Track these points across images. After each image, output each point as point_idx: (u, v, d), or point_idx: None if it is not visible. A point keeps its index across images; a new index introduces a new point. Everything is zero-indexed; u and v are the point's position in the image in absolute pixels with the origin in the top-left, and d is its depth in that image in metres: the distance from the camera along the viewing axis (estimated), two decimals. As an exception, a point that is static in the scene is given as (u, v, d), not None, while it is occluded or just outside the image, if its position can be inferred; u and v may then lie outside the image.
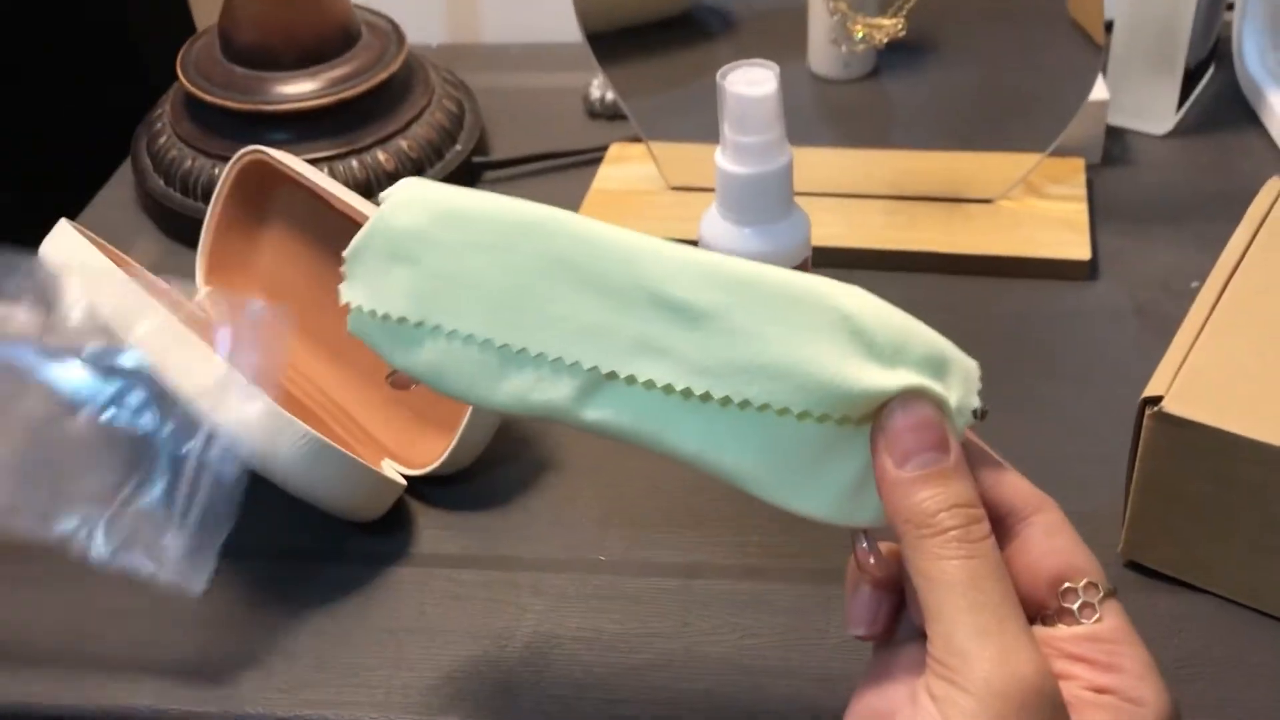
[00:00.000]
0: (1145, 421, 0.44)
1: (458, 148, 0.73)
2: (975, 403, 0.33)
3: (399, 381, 0.36)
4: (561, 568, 0.50)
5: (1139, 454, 0.45)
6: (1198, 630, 0.46)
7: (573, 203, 0.70)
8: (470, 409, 0.50)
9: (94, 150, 0.79)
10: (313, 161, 0.68)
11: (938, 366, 0.33)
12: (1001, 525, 0.33)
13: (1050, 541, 0.33)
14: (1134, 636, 0.32)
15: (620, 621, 0.48)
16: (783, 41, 0.73)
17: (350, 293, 0.36)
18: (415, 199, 0.35)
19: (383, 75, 0.70)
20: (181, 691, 0.46)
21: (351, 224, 0.51)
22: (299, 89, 0.69)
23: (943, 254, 0.64)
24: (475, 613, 0.48)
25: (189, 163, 0.70)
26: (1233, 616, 0.46)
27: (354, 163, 0.69)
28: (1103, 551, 0.48)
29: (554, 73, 0.84)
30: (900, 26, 0.64)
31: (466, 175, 0.74)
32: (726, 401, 0.32)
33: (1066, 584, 0.33)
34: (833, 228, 0.66)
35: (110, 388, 0.47)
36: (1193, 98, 0.74)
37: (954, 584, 0.30)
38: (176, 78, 0.71)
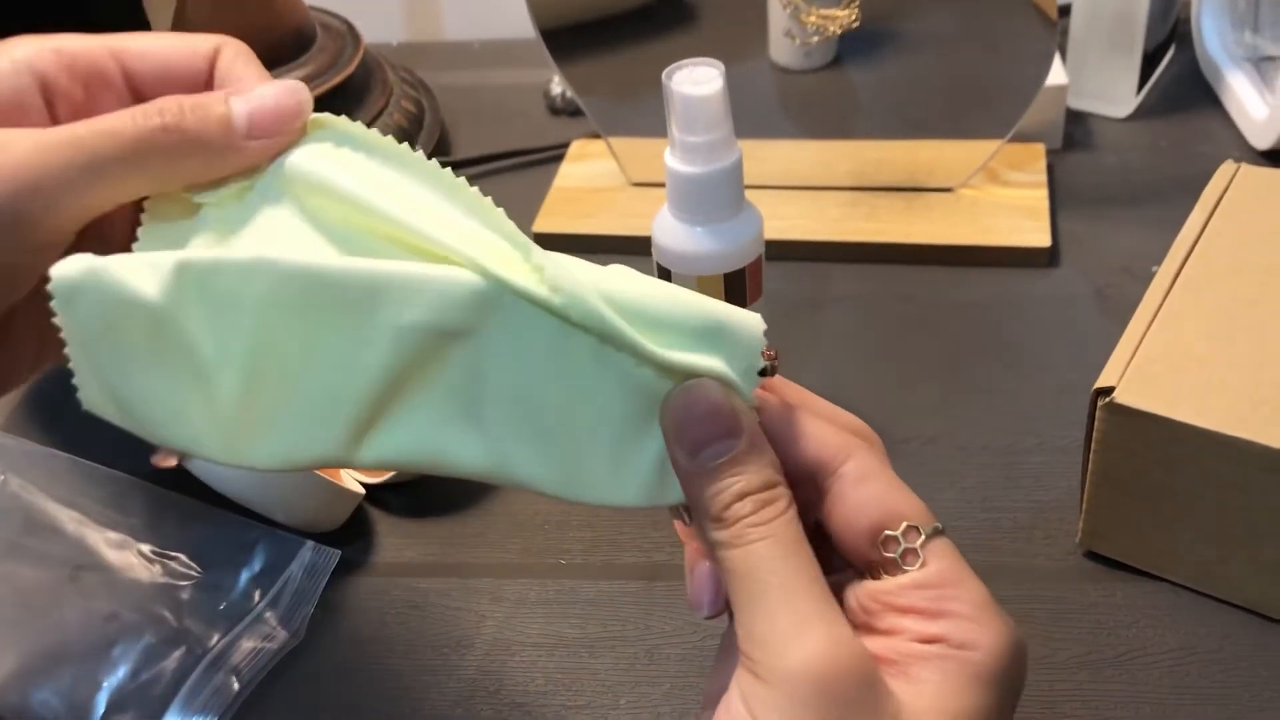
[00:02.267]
0: (1098, 412, 0.44)
1: (417, 148, 0.72)
2: (760, 363, 0.31)
3: (162, 460, 0.34)
4: (521, 573, 0.50)
5: (1093, 445, 0.45)
6: (1154, 618, 0.46)
7: (534, 200, 0.69)
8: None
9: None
10: (270, 167, 0.67)
11: (714, 336, 0.31)
12: (812, 484, 0.32)
13: (861, 490, 0.31)
14: (965, 575, 0.30)
15: (580, 626, 0.48)
16: (743, 33, 0.73)
17: (83, 391, 0.32)
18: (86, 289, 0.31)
19: (339, 78, 0.70)
20: (141, 708, 0.46)
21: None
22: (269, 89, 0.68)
23: (903, 244, 0.64)
24: (435, 621, 0.48)
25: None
26: (1189, 604, 0.46)
27: (312, 167, 0.68)
28: (1062, 541, 0.48)
29: (515, 69, 0.83)
30: (854, 17, 0.63)
31: (427, 176, 0.73)
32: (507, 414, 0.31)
33: (885, 532, 0.31)
34: (793, 220, 0.66)
35: (159, 584, 0.49)
36: (1153, 80, 0.74)
37: (744, 572, 0.29)
38: (131, 85, 0.71)
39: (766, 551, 0.29)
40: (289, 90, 0.34)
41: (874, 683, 0.28)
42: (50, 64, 0.33)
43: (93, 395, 0.32)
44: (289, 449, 0.31)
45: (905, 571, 0.30)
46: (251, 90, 0.33)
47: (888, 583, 0.30)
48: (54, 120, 0.33)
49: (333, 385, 0.31)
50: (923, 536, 0.30)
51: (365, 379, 0.31)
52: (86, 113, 0.33)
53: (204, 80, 0.35)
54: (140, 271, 0.31)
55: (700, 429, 0.30)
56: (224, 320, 0.31)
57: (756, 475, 0.30)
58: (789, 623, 0.28)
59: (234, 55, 0.36)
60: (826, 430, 0.32)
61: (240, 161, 0.33)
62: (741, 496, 0.30)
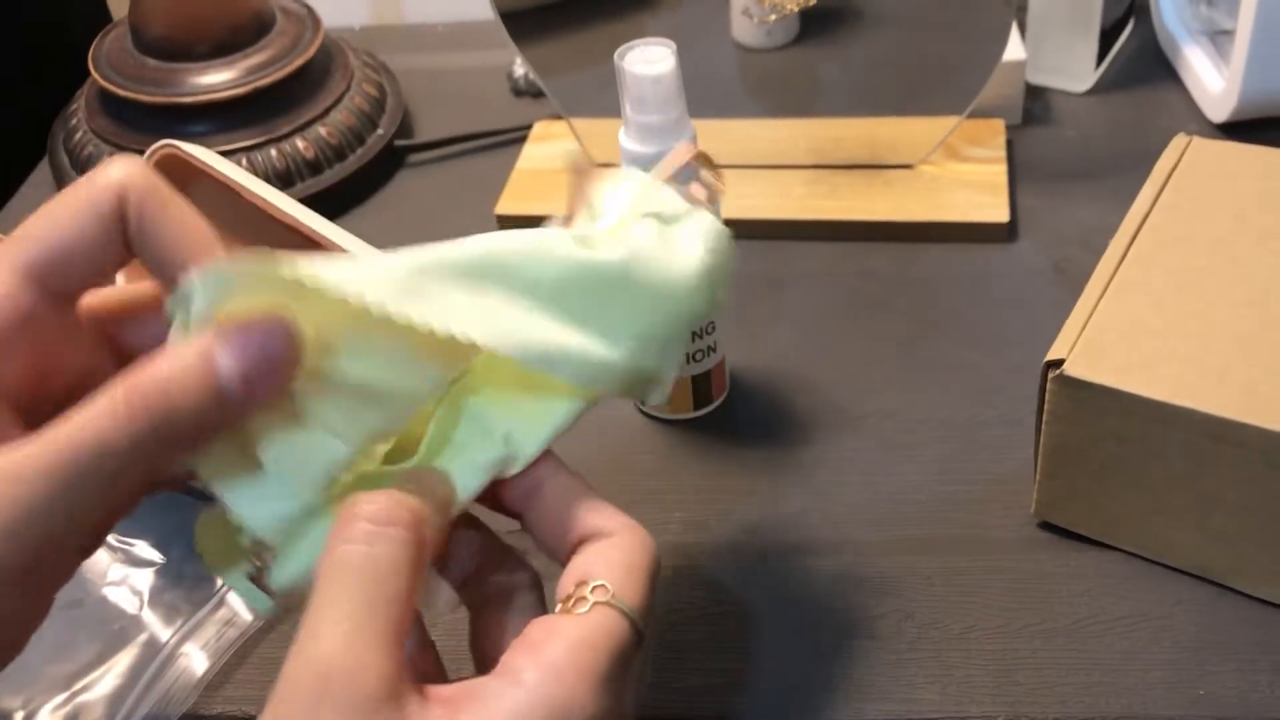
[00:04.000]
0: (1048, 385, 0.45)
1: (379, 132, 0.73)
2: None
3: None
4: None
5: (1044, 417, 0.46)
6: (1107, 587, 0.46)
7: (498, 182, 0.69)
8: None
9: (11, 149, 0.78)
10: (231, 152, 0.67)
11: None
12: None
13: (590, 555, 0.34)
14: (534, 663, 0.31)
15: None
16: (704, 11, 0.73)
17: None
18: None
19: (298, 61, 0.69)
20: (105, 694, 0.46)
21: (265, 216, 0.51)
22: (213, 79, 0.68)
23: (863, 221, 0.64)
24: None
25: (105, 158, 0.69)
26: (1140, 572, 0.47)
27: (273, 152, 0.68)
28: (1017, 512, 0.49)
29: (478, 51, 0.83)
30: (810, -5, 0.63)
31: (389, 159, 0.73)
32: None
33: (582, 581, 0.33)
34: (754, 199, 0.66)
35: (121, 571, 0.49)
36: (1111, 55, 0.74)
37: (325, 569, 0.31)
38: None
39: (351, 553, 0.31)
40: (273, 332, 0.30)
41: (380, 694, 0.29)
42: None
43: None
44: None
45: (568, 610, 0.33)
46: (234, 336, 0.30)
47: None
48: None
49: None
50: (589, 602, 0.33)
51: None
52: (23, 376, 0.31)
53: (117, 243, 0.32)
54: None
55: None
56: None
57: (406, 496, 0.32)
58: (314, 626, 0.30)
59: (140, 204, 0.32)
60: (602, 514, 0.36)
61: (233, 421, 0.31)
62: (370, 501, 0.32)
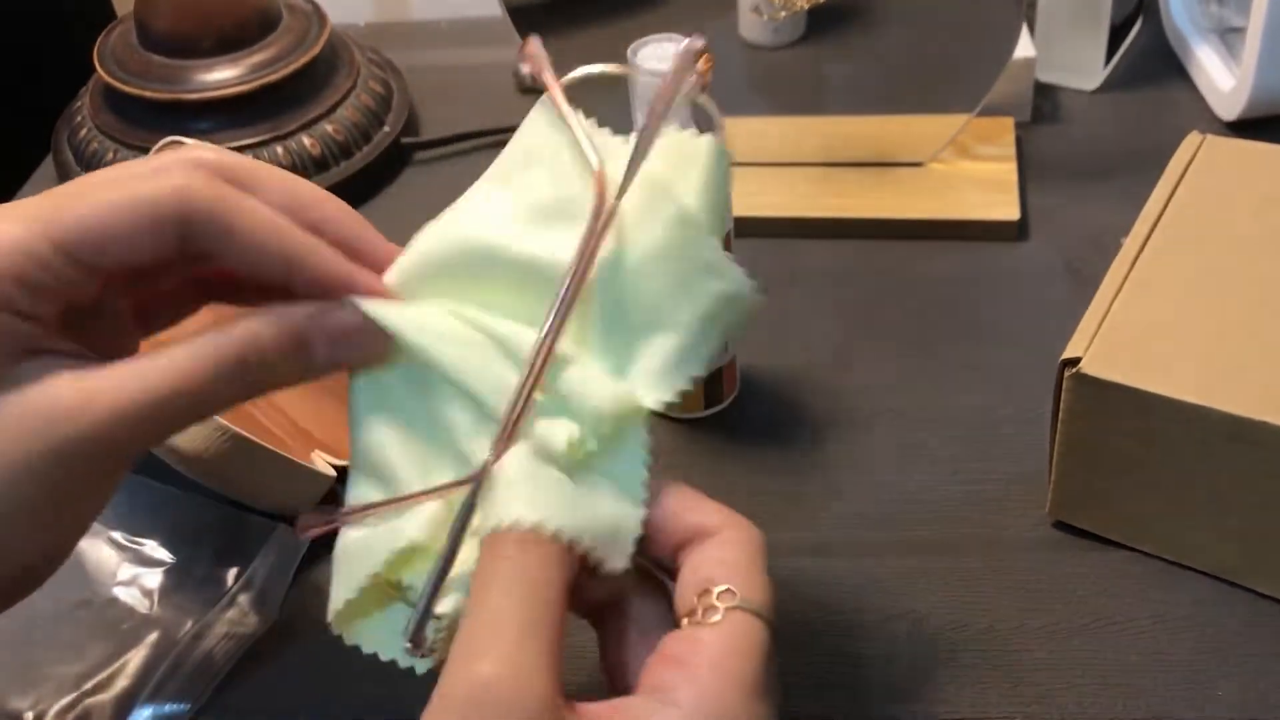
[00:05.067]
0: (1064, 383, 0.44)
1: (385, 129, 0.72)
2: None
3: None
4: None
5: (1060, 415, 0.45)
6: (1123, 588, 0.46)
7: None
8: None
9: (16, 146, 0.77)
10: (236, 149, 0.67)
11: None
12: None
13: (703, 559, 0.33)
14: (712, 660, 0.31)
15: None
16: (712, 9, 0.73)
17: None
18: None
19: (304, 58, 0.69)
20: (114, 694, 0.46)
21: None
22: (219, 76, 0.68)
23: (872, 219, 0.64)
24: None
25: (110, 155, 0.69)
26: (1157, 573, 0.46)
27: (278, 149, 0.68)
28: (1032, 512, 0.49)
29: (484, 48, 0.83)
30: (821, -8, 0.63)
31: (395, 156, 0.73)
32: None
33: (706, 590, 0.32)
34: (763, 197, 0.66)
35: (131, 570, 0.48)
36: (1120, 52, 0.74)
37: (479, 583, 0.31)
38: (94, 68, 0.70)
39: (505, 570, 0.30)
40: (366, 325, 0.34)
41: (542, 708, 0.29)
42: (12, 293, 0.31)
43: None
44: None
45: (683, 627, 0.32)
46: (328, 315, 0.34)
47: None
48: (34, 324, 0.32)
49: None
50: (727, 605, 0.32)
51: None
52: (56, 309, 0.32)
53: (168, 248, 0.32)
54: None
55: None
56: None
57: None
58: (464, 643, 0.30)
59: (208, 216, 0.32)
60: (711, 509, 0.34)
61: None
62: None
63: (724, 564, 0.32)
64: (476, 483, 0.33)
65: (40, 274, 0.31)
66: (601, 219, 0.33)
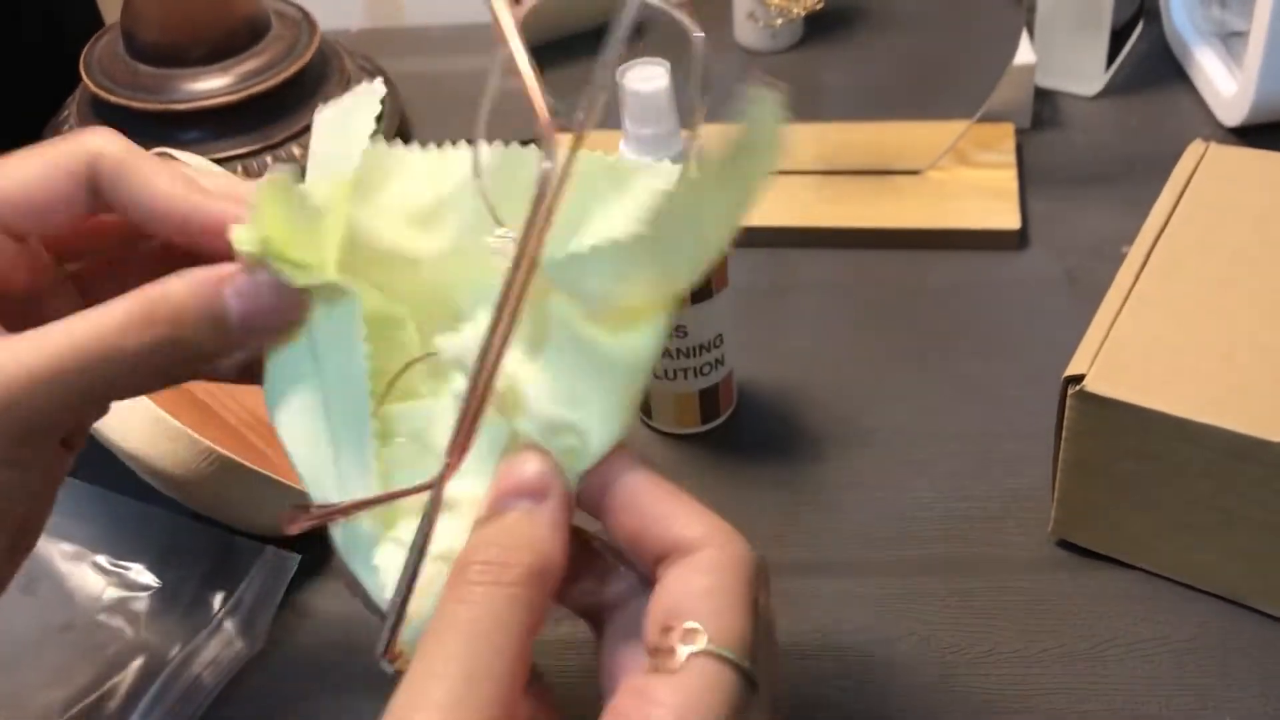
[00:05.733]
0: (1068, 400, 0.44)
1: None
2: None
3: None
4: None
5: (1063, 433, 0.44)
6: (1127, 608, 0.45)
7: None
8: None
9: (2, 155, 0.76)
10: (225, 160, 0.66)
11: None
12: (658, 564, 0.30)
13: (673, 583, 0.29)
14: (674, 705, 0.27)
15: (550, 626, 0.47)
16: (707, 14, 0.72)
17: None
18: None
19: (294, 67, 0.68)
20: None
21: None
22: (207, 86, 0.67)
23: (871, 229, 0.63)
24: (399, 625, 0.47)
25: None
26: (1161, 592, 0.45)
27: (268, 158, 0.67)
28: (1034, 530, 0.48)
29: (477, 55, 0.82)
30: (818, -1, 0.62)
31: (388, 166, 0.72)
32: None
33: (668, 626, 0.28)
34: (760, 206, 0.65)
35: (116, 594, 0.47)
36: (1121, 57, 0.73)
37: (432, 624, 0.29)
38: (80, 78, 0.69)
39: (455, 617, 0.28)
40: (279, 290, 0.33)
41: None
42: None
43: None
44: None
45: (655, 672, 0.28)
46: (241, 281, 0.32)
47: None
48: None
49: None
50: (691, 646, 0.27)
51: None
52: None
53: (82, 203, 0.34)
54: None
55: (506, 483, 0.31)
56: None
57: (508, 535, 0.30)
58: (406, 693, 0.27)
59: (116, 168, 0.33)
60: (694, 518, 0.30)
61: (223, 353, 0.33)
62: (491, 545, 0.29)
63: (693, 594, 0.28)
64: (435, 490, 0.31)
65: None
66: (555, 180, 0.30)
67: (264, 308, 0.32)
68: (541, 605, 0.29)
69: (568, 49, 0.67)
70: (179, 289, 0.32)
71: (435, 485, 0.31)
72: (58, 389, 0.31)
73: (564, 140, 0.31)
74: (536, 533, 0.30)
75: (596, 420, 0.31)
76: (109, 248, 0.37)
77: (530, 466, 0.30)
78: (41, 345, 0.31)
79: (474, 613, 0.28)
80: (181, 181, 0.34)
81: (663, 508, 0.30)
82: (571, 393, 0.31)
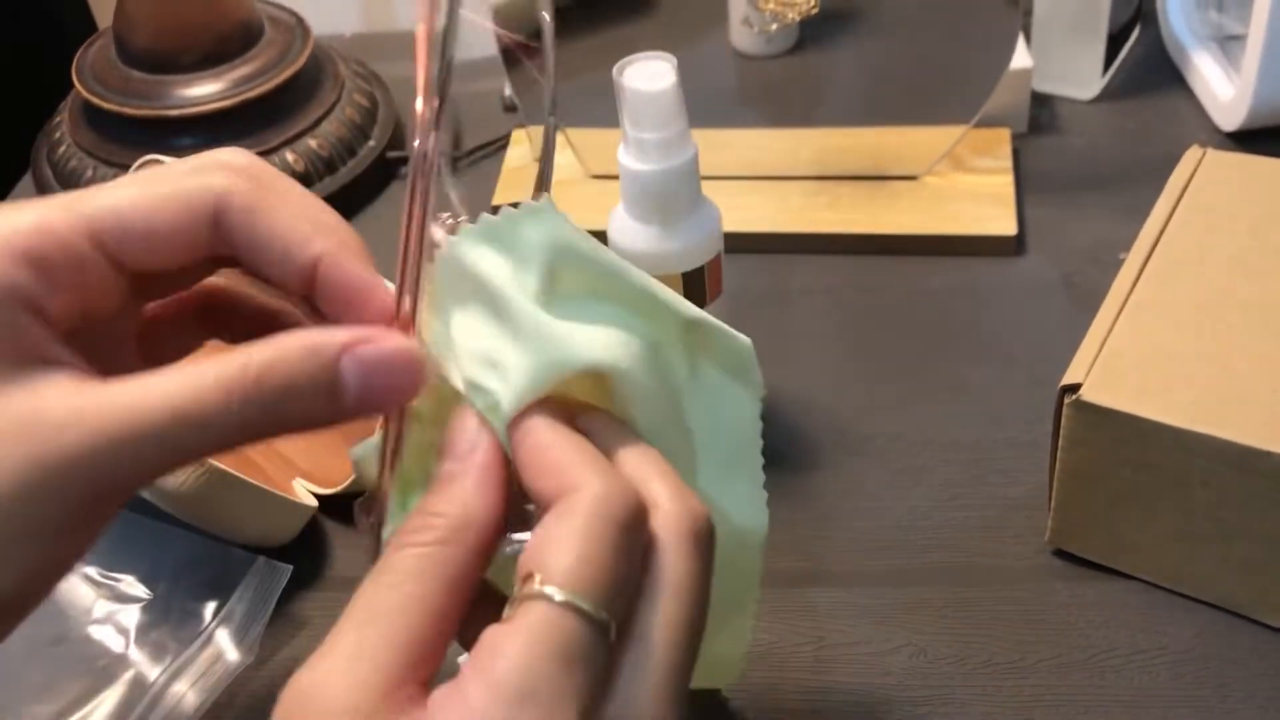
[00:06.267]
0: (1064, 409, 0.43)
1: (371, 143, 0.71)
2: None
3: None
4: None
5: (1060, 442, 0.44)
6: (1125, 618, 0.45)
7: (490, 194, 0.68)
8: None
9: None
10: (218, 166, 0.66)
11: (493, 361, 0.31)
12: None
13: (536, 531, 0.28)
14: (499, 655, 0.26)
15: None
16: (703, 17, 0.72)
17: None
18: None
19: (287, 73, 0.68)
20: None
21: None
22: (200, 91, 0.66)
23: (867, 235, 0.63)
24: (392, 636, 0.47)
25: (90, 173, 0.67)
26: (1159, 602, 0.45)
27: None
28: (1031, 539, 0.48)
29: (470, 59, 0.81)
30: (813, 4, 0.62)
31: (381, 170, 0.72)
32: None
33: (525, 574, 0.28)
34: (754, 211, 0.64)
35: (106, 607, 0.47)
36: (1118, 61, 0.72)
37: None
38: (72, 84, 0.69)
39: (374, 574, 0.28)
40: (408, 359, 0.30)
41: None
42: (29, 283, 0.29)
43: None
44: None
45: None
46: (363, 340, 0.29)
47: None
48: (42, 323, 0.29)
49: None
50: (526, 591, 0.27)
51: None
52: (69, 310, 0.29)
53: (202, 245, 0.31)
54: None
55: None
56: None
57: (442, 499, 0.29)
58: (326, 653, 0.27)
59: (246, 207, 0.31)
60: (568, 459, 0.30)
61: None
62: (421, 512, 0.29)
63: (544, 539, 0.28)
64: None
65: (65, 262, 0.29)
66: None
67: (384, 385, 0.30)
68: (466, 559, 0.28)
69: (556, 24, 0.67)
70: (295, 357, 0.29)
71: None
72: (147, 449, 0.28)
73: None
74: (456, 490, 0.29)
75: (512, 377, 0.30)
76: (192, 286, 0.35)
77: (455, 429, 0.30)
78: (137, 400, 0.28)
79: (387, 572, 0.28)
80: (313, 223, 0.31)
81: (555, 457, 0.29)
82: (486, 353, 0.31)
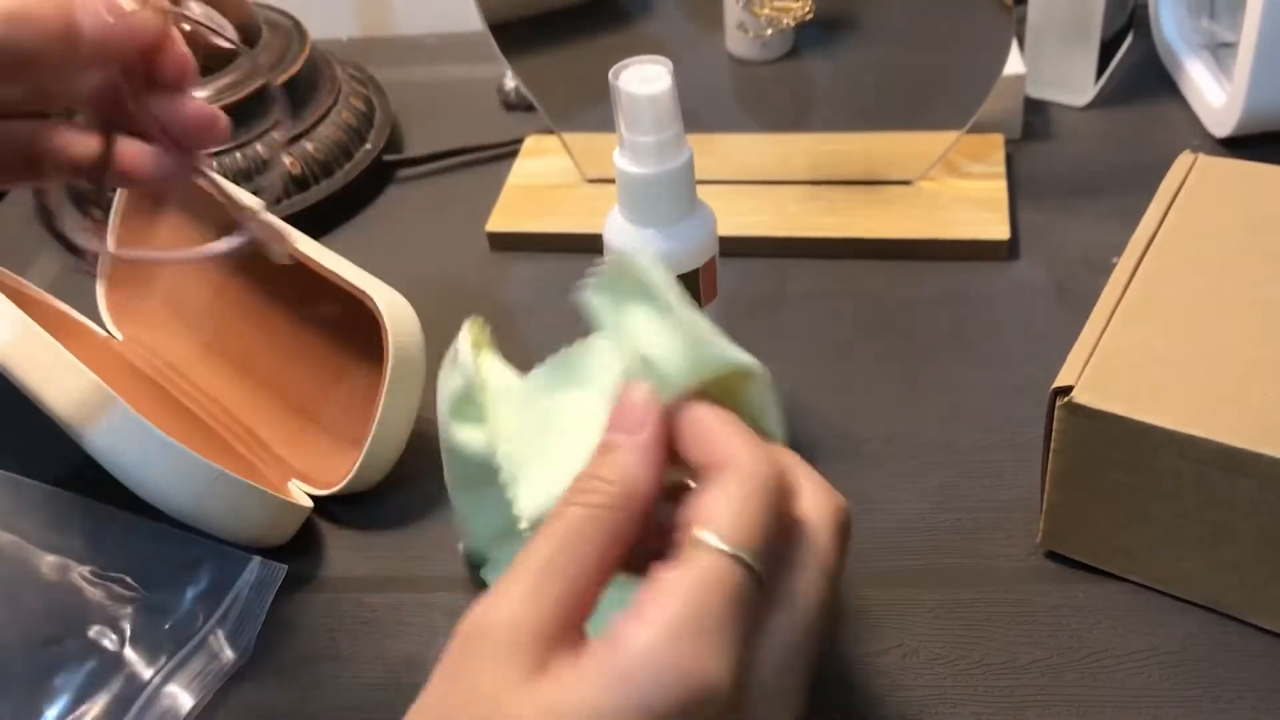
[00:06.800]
0: (1056, 412, 0.43)
1: (367, 146, 0.71)
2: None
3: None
4: (475, 587, 0.49)
5: (1052, 445, 0.44)
6: (1116, 620, 0.45)
7: (489, 197, 0.68)
8: (377, 423, 0.49)
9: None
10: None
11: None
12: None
13: (696, 493, 0.32)
14: (675, 596, 0.29)
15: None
16: (700, 22, 0.72)
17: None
18: None
19: (284, 76, 0.68)
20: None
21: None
22: (197, 93, 0.66)
23: (860, 239, 0.63)
24: (386, 637, 0.47)
25: (87, 175, 0.67)
26: (1150, 604, 0.45)
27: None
28: (1023, 541, 0.48)
29: (468, 64, 0.82)
30: (807, 9, 0.62)
31: (378, 174, 0.72)
32: None
33: (686, 526, 0.31)
34: (749, 216, 0.65)
35: (102, 607, 0.47)
36: (1111, 68, 0.73)
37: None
38: (70, 86, 0.69)
39: (550, 530, 0.31)
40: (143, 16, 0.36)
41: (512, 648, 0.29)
42: None
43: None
44: None
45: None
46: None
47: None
48: None
49: None
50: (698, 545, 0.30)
51: None
52: None
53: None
54: None
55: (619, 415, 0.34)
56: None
57: (613, 465, 0.32)
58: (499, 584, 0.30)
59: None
60: (734, 439, 0.33)
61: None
62: (589, 477, 0.32)
63: (707, 499, 0.31)
64: None
65: None
66: None
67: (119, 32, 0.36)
68: (626, 524, 0.31)
69: (552, 28, 0.67)
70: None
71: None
72: None
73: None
74: (624, 460, 0.32)
75: (679, 360, 0.34)
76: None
77: (628, 402, 0.33)
78: None
79: (557, 527, 0.31)
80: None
81: (717, 430, 0.33)
82: (658, 339, 0.35)
